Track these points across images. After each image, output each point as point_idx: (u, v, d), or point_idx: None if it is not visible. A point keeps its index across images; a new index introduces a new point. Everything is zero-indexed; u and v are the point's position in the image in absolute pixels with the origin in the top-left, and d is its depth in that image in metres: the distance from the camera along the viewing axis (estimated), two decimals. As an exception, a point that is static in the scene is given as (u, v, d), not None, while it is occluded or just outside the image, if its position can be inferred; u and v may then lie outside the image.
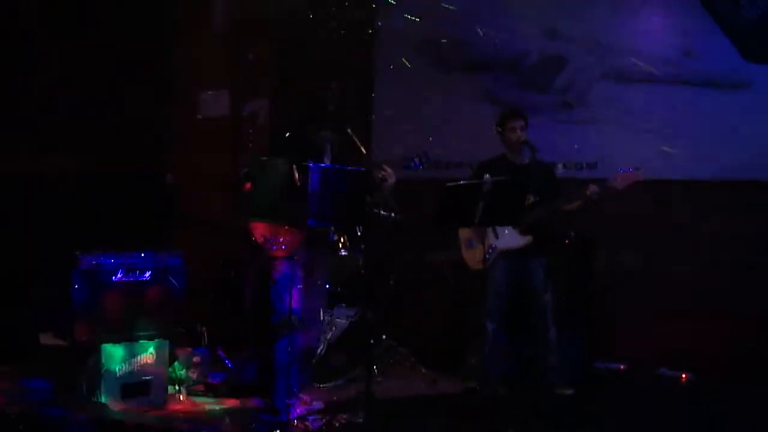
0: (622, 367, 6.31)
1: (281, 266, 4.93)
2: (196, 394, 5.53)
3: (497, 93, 6.98)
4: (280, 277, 4.94)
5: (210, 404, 5.37)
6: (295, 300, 4.81)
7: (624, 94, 6.64)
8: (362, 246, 6.05)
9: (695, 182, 6.40)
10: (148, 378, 5.24)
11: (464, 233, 5.76)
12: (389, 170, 4.96)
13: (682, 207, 6.46)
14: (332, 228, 5.33)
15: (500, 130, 5.69)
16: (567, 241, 6.14)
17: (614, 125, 6.65)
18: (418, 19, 6.94)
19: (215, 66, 7.40)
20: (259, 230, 4.92)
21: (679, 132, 6.44)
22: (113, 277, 5.19)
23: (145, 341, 5.28)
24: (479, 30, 6.90)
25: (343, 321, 6.05)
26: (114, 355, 5.15)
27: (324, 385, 5.77)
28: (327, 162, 5.00)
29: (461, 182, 4.96)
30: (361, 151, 5.09)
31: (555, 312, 5.67)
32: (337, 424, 4.90)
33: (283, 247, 4.86)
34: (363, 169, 4.82)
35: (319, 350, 5.73)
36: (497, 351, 5.62)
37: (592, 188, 5.46)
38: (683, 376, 6.13)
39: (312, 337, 5.22)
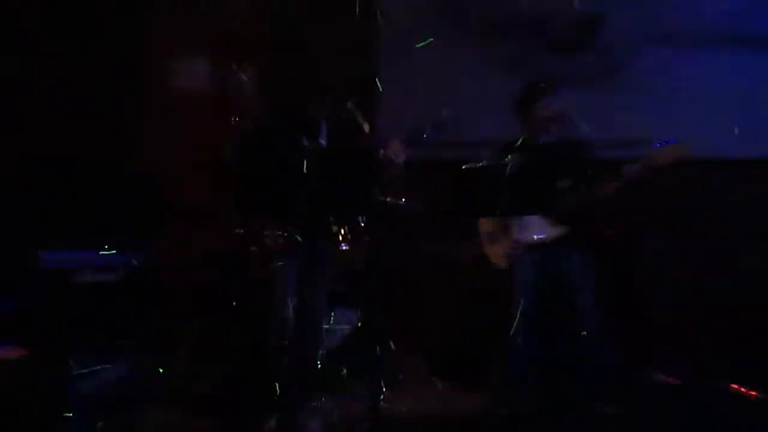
0: (675, 380, 6.30)
1: (275, 263, 5.04)
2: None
3: (523, 59, 7.05)
4: (273, 278, 5.06)
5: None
6: (289, 305, 4.96)
7: (674, 61, 6.74)
8: (366, 239, 6.11)
9: (759, 162, 6.53)
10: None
11: (485, 225, 5.85)
12: (398, 147, 5.04)
13: (746, 191, 6.60)
14: (331, 218, 5.43)
15: (526, 109, 5.74)
16: (606, 232, 6.22)
17: (662, 96, 6.74)
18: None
19: (194, 30, 7.53)
20: (252, 222, 5.07)
21: (739, 104, 6.54)
22: (80, 277, 5.28)
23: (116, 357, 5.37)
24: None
25: (344, 326, 6.17)
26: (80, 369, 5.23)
27: (321, 402, 5.84)
28: (323, 141, 5.11)
29: (481, 164, 5.08)
30: (363, 128, 5.19)
31: (595, 315, 5.72)
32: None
33: (279, 240, 5.00)
34: (367, 149, 4.96)
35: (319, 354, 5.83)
36: (526, 362, 5.69)
37: (629, 167, 5.49)
38: (753, 393, 6.06)
39: (310, 348, 5.35)
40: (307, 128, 5.08)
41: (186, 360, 5.99)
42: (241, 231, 5.14)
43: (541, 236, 5.70)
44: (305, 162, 4.62)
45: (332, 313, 6.13)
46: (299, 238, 5.02)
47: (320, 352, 5.74)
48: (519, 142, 5.72)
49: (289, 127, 5.04)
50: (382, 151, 5.00)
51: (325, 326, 5.78)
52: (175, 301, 6.25)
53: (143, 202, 7.17)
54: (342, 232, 5.98)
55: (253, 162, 4.75)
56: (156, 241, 6.60)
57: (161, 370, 5.66)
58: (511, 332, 5.65)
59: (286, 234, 4.96)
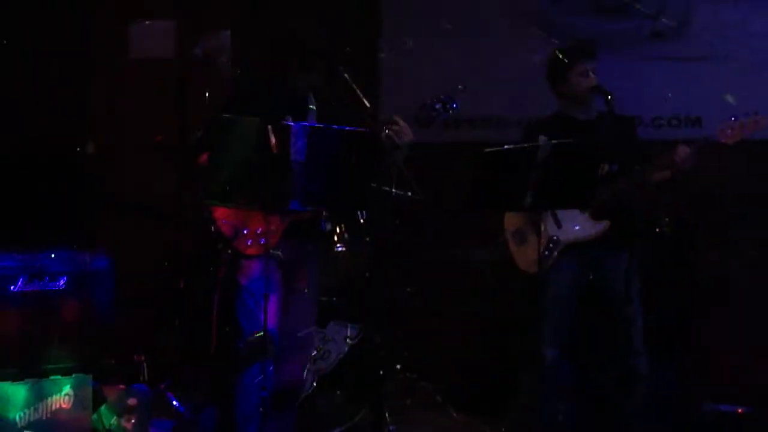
0: (741, 410, 6.30)
1: (252, 269, 4.96)
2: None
3: (555, 19, 7.04)
4: (250, 284, 4.97)
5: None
6: (271, 316, 4.84)
7: (740, 20, 6.74)
8: (367, 239, 6.07)
9: None
10: (63, 429, 5.22)
11: (512, 220, 5.79)
12: (403, 124, 4.96)
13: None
14: (324, 213, 5.34)
15: (561, 75, 5.69)
16: (658, 229, 6.13)
17: (726, 63, 6.72)
18: None
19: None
20: (223, 218, 4.94)
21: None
22: (11, 287, 5.20)
23: (59, 377, 5.27)
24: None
25: (341, 345, 6.10)
26: (12, 397, 5.12)
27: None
28: (312, 119, 5.01)
29: (506, 147, 4.95)
30: (363, 103, 5.05)
31: (644, 331, 5.64)
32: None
33: (257, 241, 4.88)
34: (367, 129, 4.82)
35: (306, 387, 5.75)
36: (558, 388, 5.65)
37: (683, 150, 5.43)
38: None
39: (295, 369, 5.23)
40: (292, 103, 5.01)
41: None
42: (210, 228, 5.02)
43: (579, 234, 5.64)
44: (292, 144, 4.46)
45: (325, 329, 6.12)
46: (279, 238, 4.94)
47: (309, 377, 5.74)
48: (552, 120, 5.71)
49: (269, 101, 4.96)
50: (385, 131, 4.94)
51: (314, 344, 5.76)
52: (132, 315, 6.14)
53: (91, 193, 7.10)
54: (337, 230, 5.91)
55: (225, 144, 4.66)
56: (107, 241, 6.52)
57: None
58: (541, 353, 5.58)
59: (265, 232, 4.89)
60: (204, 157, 4.81)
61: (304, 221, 5.03)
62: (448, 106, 5.14)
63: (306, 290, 5.18)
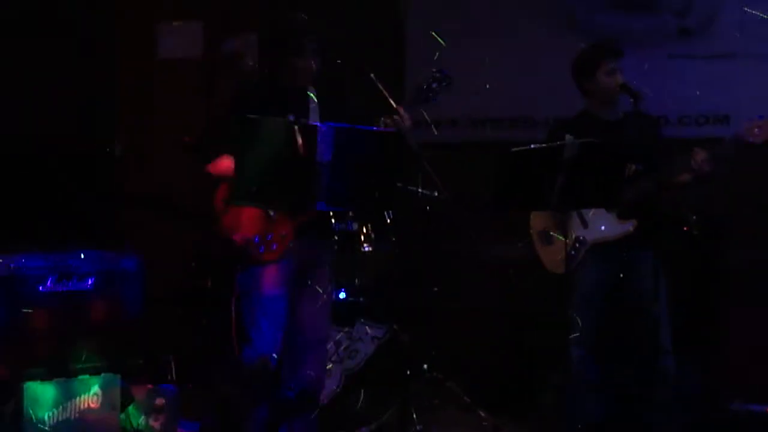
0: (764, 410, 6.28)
1: (266, 275, 4.96)
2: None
3: (581, 17, 7.01)
4: (262, 292, 4.97)
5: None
6: (282, 317, 4.92)
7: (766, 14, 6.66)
8: (393, 239, 6.07)
9: None
10: (91, 428, 5.26)
11: (538, 220, 5.77)
12: (402, 112, 4.97)
13: None
14: (351, 214, 5.34)
15: (588, 74, 5.65)
16: (686, 228, 6.11)
17: (754, 60, 6.67)
18: None
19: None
20: (233, 226, 4.95)
21: None
22: (40, 287, 5.22)
23: (87, 377, 5.31)
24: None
25: (368, 344, 6.10)
26: (41, 397, 5.16)
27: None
28: (314, 116, 5.04)
29: (532, 146, 4.93)
30: (390, 103, 5.07)
31: (671, 330, 5.61)
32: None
33: (269, 247, 4.91)
34: (393, 129, 4.85)
35: (332, 386, 5.76)
36: (586, 387, 5.62)
37: (699, 155, 5.37)
38: None
39: (313, 368, 5.21)
40: (290, 100, 5.02)
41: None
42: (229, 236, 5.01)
43: (606, 234, 5.62)
44: (318, 144, 4.47)
45: (352, 329, 6.11)
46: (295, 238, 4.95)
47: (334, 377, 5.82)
48: (578, 119, 5.67)
49: (265, 102, 4.96)
50: (382, 119, 4.97)
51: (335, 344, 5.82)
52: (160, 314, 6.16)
53: (120, 193, 7.13)
54: (364, 231, 5.91)
55: (250, 145, 4.67)
56: (135, 241, 6.54)
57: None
58: (568, 352, 5.56)
59: (276, 237, 4.93)
60: (218, 162, 4.87)
61: (314, 221, 5.02)
62: (444, 83, 5.15)
63: (319, 290, 5.16)
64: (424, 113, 5.55)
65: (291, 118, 4.74)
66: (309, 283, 5.09)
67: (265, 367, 4.92)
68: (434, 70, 5.17)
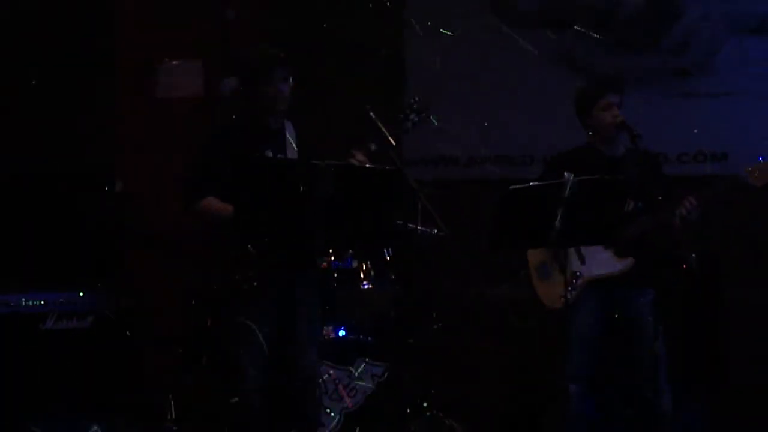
0: None
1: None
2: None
3: (580, 57, 7.05)
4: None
5: None
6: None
7: (765, 55, 6.73)
8: (393, 276, 6.07)
9: None
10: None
11: (535, 257, 5.76)
12: (361, 158, 4.96)
13: None
14: (350, 251, 5.36)
15: (586, 109, 5.64)
16: (684, 266, 6.12)
17: (753, 99, 6.71)
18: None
19: (181, 25, 7.50)
20: None
21: None
22: (40, 325, 5.23)
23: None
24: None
25: (367, 383, 6.06)
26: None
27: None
28: (291, 151, 5.07)
29: (531, 184, 4.95)
30: (389, 141, 5.11)
31: (670, 368, 5.60)
32: None
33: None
34: (392, 168, 4.86)
35: (333, 425, 5.77)
36: (584, 424, 5.59)
37: (689, 203, 5.36)
38: None
39: (306, 399, 5.22)
40: (266, 137, 5.06)
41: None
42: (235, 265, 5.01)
43: (603, 271, 5.60)
44: (319, 183, 4.50)
45: (352, 367, 6.06)
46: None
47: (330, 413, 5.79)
48: (576, 153, 5.67)
49: (243, 140, 5.03)
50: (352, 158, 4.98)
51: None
52: (160, 354, 6.17)
53: (119, 232, 7.13)
54: (363, 268, 5.92)
55: (251, 186, 4.71)
56: (135, 279, 6.55)
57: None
58: (566, 390, 5.53)
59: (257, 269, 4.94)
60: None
61: (301, 253, 5.01)
62: (423, 114, 5.18)
63: (309, 323, 5.16)
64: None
65: (269, 153, 4.79)
66: (297, 314, 5.08)
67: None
68: (412, 99, 5.22)
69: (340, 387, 5.90)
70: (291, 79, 5.09)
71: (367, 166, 4.79)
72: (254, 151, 4.75)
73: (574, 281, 5.58)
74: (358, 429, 5.97)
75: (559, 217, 4.85)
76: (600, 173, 5.07)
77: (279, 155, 4.86)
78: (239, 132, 5.15)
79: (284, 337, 5.07)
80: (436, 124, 5.27)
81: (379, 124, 5.10)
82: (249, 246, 4.89)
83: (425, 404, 6.27)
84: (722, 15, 6.84)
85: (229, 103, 7.21)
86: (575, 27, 7.07)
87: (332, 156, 4.78)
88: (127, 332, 5.41)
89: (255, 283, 4.92)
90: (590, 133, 5.68)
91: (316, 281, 5.30)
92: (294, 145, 5.12)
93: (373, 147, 5.02)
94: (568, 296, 5.47)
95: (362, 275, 6.00)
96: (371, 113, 5.11)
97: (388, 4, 7.24)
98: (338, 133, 5.20)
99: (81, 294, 5.32)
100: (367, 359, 6.09)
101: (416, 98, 5.23)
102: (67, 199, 6.97)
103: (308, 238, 4.65)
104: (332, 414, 5.86)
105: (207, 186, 5.02)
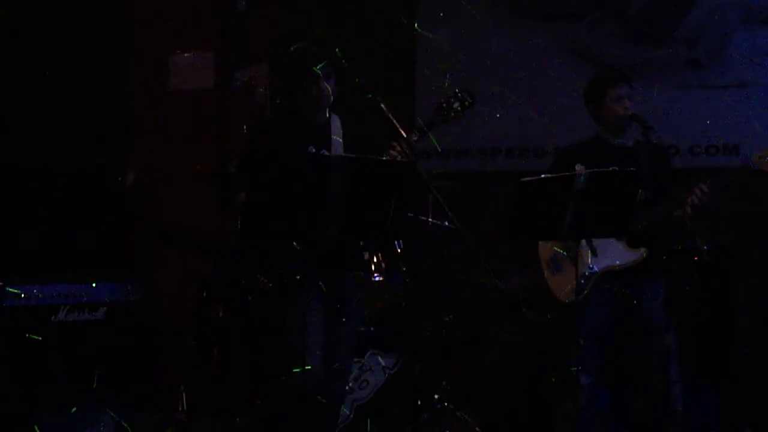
0: None
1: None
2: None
3: (591, 48, 7.05)
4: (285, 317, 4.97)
5: None
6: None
7: None
8: (404, 268, 6.08)
9: None
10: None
11: (547, 250, 5.77)
12: (405, 145, 4.93)
13: None
14: (361, 243, 5.36)
15: (596, 100, 5.64)
16: (696, 258, 6.11)
17: (765, 90, 6.72)
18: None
19: (192, 18, 7.51)
20: None
21: None
22: (52, 317, 5.24)
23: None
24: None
25: (379, 374, 6.10)
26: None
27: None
28: (339, 147, 5.05)
29: (542, 176, 4.95)
30: (400, 133, 5.03)
31: (682, 359, 5.62)
32: None
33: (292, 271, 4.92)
34: (404, 160, 4.86)
35: (345, 418, 5.79)
36: (597, 416, 5.61)
37: (700, 190, 5.36)
38: None
39: (331, 399, 5.22)
40: (311, 134, 5.05)
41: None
42: (249, 258, 4.99)
43: (616, 262, 5.60)
44: (327, 175, 4.51)
45: (363, 359, 6.09)
46: (317, 268, 4.92)
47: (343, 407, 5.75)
48: (587, 145, 5.67)
49: (288, 136, 5.01)
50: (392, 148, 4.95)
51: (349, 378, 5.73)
52: (171, 345, 6.18)
53: (131, 223, 7.15)
54: (375, 260, 5.92)
55: (261, 175, 4.69)
56: (147, 270, 6.56)
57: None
58: (579, 382, 5.50)
59: (301, 264, 4.91)
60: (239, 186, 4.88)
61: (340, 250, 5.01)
62: (467, 102, 5.12)
63: (344, 320, 5.18)
64: (435, 142, 5.55)
65: (312, 149, 4.76)
66: (336, 315, 5.11)
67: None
68: (456, 89, 5.16)
69: (351, 379, 5.90)
70: (334, 75, 5.07)
71: (382, 159, 4.78)
72: (297, 147, 4.71)
73: (587, 273, 5.56)
74: (368, 421, 5.97)
75: (571, 209, 4.85)
76: (611, 165, 5.07)
77: (323, 151, 4.83)
78: (282, 129, 5.13)
79: (330, 331, 5.08)
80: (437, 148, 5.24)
81: (390, 117, 5.10)
82: (293, 242, 4.86)
83: (436, 396, 6.27)
84: (734, 6, 6.81)
85: (242, 96, 7.24)
86: (587, 19, 7.07)
87: (375, 150, 4.79)
88: (139, 324, 5.40)
89: (298, 277, 4.90)
90: (599, 125, 5.66)
91: (358, 281, 5.33)
92: (340, 140, 5.10)
93: (415, 138, 5.00)
94: (581, 289, 5.51)
95: (373, 267, 6.00)
96: (382, 105, 5.10)
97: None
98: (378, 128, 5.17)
99: (93, 285, 5.33)
100: (378, 351, 6.13)
101: (462, 89, 5.16)
102: (79, 191, 6.98)
103: (315, 231, 4.63)
104: (343, 406, 5.87)
105: (246, 184, 5.00)
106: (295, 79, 5.06)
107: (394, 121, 5.04)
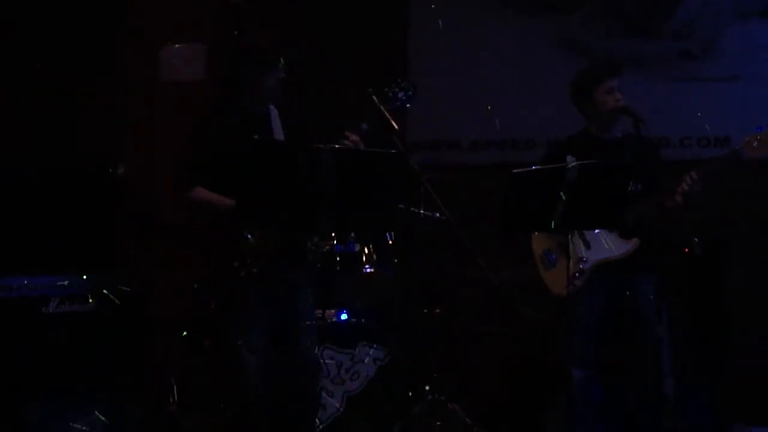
0: None
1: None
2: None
3: (583, 41, 7.05)
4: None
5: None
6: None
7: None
8: (395, 260, 6.07)
9: None
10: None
11: (540, 242, 5.78)
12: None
13: None
14: (352, 235, 5.35)
15: (586, 93, 5.63)
16: (687, 249, 6.11)
17: (757, 83, 6.72)
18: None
19: (185, 10, 7.49)
20: None
21: None
22: (43, 309, 5.23)
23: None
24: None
25: (369, 366, 6.07)
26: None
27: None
28: (280, 135, 5.07)
29: (533, 168, 4.95)
30: (392, 125, 5.08)
31: (673, 353, 5.62)
32: None
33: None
34: (395, 151, 4.85)
35: (335, 409, 5.79)
36: (589, 408, 5.61)
37: (690, 178, 5.34)
38: None
39: (304, 386, 5.21)
40: (250, 124, 5.03)
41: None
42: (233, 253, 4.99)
43: (608, 254, 5.59)
44: (319, 166, 4.50)
45: (354, 351, 6.07)
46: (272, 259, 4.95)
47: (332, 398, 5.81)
48: (577, 138, 5.66)
49: (227, 127, 5.01)
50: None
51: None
52: (162, 338, 6.16)
53: (122, 215, 7.13)
54: (365, 252, 5.92)
55: (255, 170, 4.70)
56: (138, 263, 6.54)
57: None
58: (571, 374, 5.55)
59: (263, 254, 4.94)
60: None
61: (292, 240, 5.02)
62: (410, 93, 5.15)
63: (303, 309, 5.18)
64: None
65: (255, 138, 4.76)
66: (294, 305, 5.11)
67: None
68: (399, 78, 5.18)
69: (342, 371, 5.90)
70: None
71: (373, 150, 4.77)
72: (240, 136, 4.69)
73: (581, 266, 5.57)
74: (360, 412, 5.97)
75: (563, 201, 4.85)
76: (601, 156, 5.07)
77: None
78: (222, 118, 5.13)
79: (284, 323, 5.08)
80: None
81: (382, 108, 5.10)
82: (248, 235, 4.87)
83: (427, 388, 6.28)
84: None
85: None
86: (580, 11, 7.07)
87: (325, 140, 4.76)
88: (130, 316, 5.40)
89: (254, 270, 4.89)
90: (588, 119, 5.65)
91: (312, 266, 5.29)
92: (280, 129, 5.11)
93: (365, 127, 5.00)
94: (574, 281, 5.51)
95: (364, 259, 6.00)
96: (374, 96, 5.10)
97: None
98: (331, 117, 5.16)
99: (84, 277, 5.33)
100: (368, 343, 6.12)
101: (404, 79, 5.20)
102: (70, 183, 6.97)
103: (306, 223, 4.62)
104: (334, 397, 5.87)
105: (196, 175, 5.01)
106: (254, 71, 5.06)
107: (386, 113, 5.05)
